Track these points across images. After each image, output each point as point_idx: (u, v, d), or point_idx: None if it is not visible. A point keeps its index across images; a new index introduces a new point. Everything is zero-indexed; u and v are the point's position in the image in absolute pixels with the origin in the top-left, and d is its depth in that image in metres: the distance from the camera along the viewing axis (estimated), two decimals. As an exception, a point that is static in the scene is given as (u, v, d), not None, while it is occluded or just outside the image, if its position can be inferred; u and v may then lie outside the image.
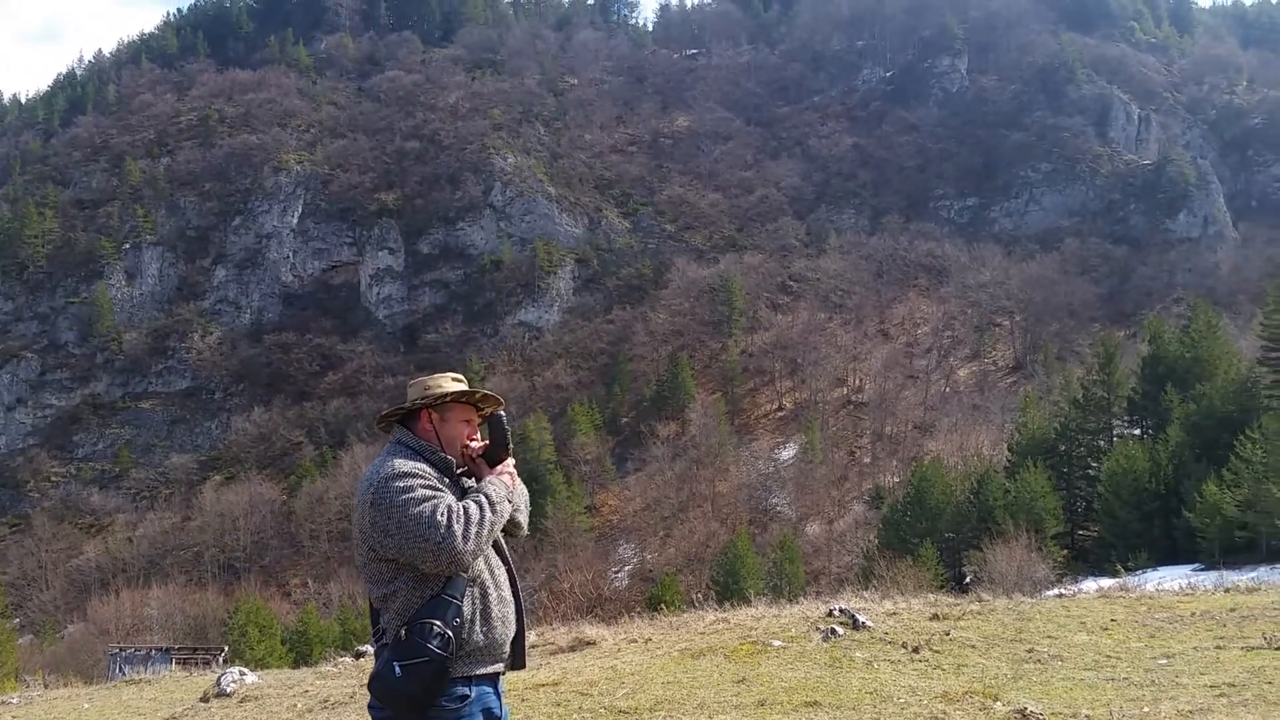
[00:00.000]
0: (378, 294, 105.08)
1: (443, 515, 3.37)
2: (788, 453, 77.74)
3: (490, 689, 3.57)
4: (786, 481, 72.65)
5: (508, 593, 3.66)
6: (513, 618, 3.65)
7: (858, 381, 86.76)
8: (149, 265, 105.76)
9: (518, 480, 3.78)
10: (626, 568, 66.27)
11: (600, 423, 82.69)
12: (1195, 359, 49.89)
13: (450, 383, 3.77)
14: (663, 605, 15.69)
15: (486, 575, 3.57)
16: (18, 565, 75.76)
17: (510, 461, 3.79)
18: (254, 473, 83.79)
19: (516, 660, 3.71)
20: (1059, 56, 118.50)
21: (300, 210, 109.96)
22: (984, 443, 65.95)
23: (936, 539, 45.08)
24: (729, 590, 35.47)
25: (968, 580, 39.23)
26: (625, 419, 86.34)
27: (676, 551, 64.71)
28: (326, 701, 8.90)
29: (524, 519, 3.81)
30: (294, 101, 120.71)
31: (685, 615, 10.89)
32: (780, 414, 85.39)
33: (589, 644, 9.81)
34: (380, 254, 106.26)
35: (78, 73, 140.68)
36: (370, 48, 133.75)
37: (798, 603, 11.26)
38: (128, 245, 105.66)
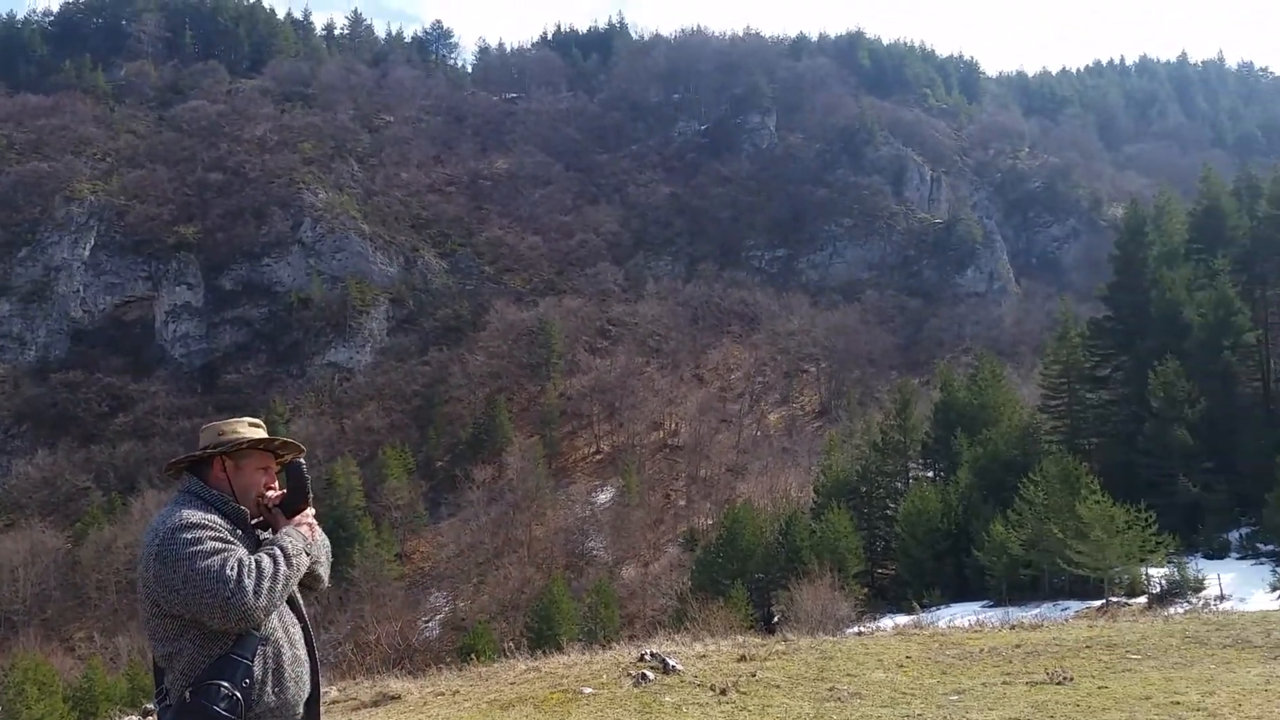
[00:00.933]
0: (174, 331, 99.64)
1: (233, 569, 3.20)
2: (605, 496, 78.04)
3: None
4: (603, 525, 72.82)
5: (302, 651, 3.50)
6: (307, 677, 3.50)
7: (673, 425, 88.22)
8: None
9: (318, 530, 3.65)
10: (438, 617, 64.70)
11: (413, 467, 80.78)
12: (982, 406, 53.10)
13: (247, 428, 3.61)
14: (475, 655, 15.38)
15: (280, 633, 3.41)
16: None
17: (310, 511, 3.64)
18: (36, 519, 77.44)
19: None
20: (859, 119, 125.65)
21: (93, 242, 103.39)
22: (792, 484, 68.08)
23: (747, 579, 45.91)
24: (543, 637, 35.10)
25: (775, 620, 40.15)
26: (440, 463, 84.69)
27: (491, 598, 63.67)
28: (104, 771, 8.26)
29: (324, 571, 3.67)
30: (90, 129, 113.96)
31: (496, 665, 10.70)
32: (598, 457, 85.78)
33: (393, 698, 9.48)
34: (178, 289, 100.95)
35: None
36: (174, 76, 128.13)
37: (610, 648, 11.25)
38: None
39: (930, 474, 54.40)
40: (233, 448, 3.54)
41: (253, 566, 3.25)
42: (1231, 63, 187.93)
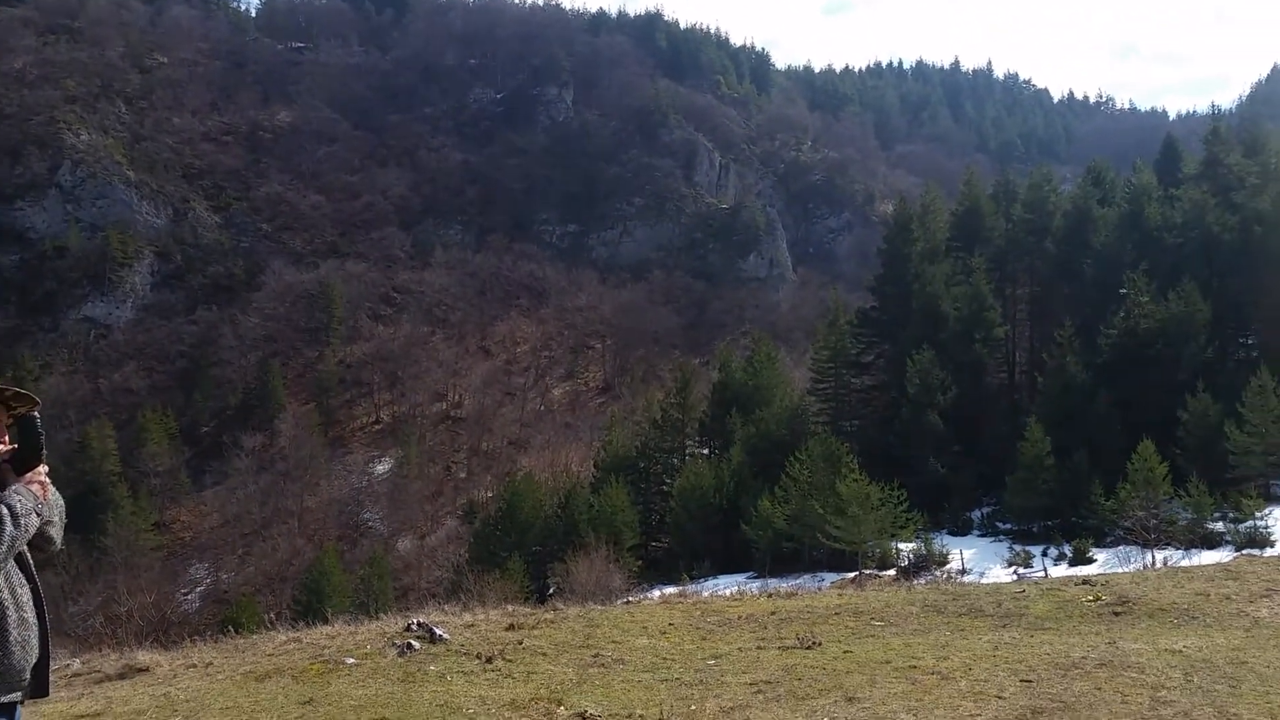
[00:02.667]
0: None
1: None
2: (383, 467, 76.42)
3: (6, 719, 3.29)
4: (380, 496, 71.38)
5: (30, 614, 3.36)
6: (35, 641, 3.36)
7: (457, 397, 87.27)
8: None
9: (50, 489, 3.49)
10: (198, 589, 61.69)
11: (176, 432, 76.31)
12: (757, 387, 55.43)
13: None
14: (236, 629, 14.79)
15: (6, 594, 3.26)
16: None
17: (43, 469, 3.48)
18: None
19: (39, 687, 3.40)
20: (655, 101, 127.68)
21: None
22: (574, 459, 68.82)
23: (525, 552, 46.22)
24: (311, 610, 34.16)
25: (550, 591, 40.57)
26: (206, 428, 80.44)
27: (257, 570, 61.23)
28: None
29: (57, 533, 3.51)
30: None
31: (254, 637, 10.36)
32: (377, 427, 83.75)
33: (141, 670, 9.03)
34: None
35: None
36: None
37: (377, 619, 11.10)
38: None
39: (706, 451, 56.31)
40: None
41: None
42: (999, 72, 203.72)
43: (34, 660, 3.35)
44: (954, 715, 6.57)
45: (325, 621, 12.15)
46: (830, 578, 35.89)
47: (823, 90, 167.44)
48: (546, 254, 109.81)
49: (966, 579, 31.69)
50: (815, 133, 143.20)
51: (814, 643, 9.00)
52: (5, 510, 3.21)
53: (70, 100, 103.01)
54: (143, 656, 9.62)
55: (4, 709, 3.28)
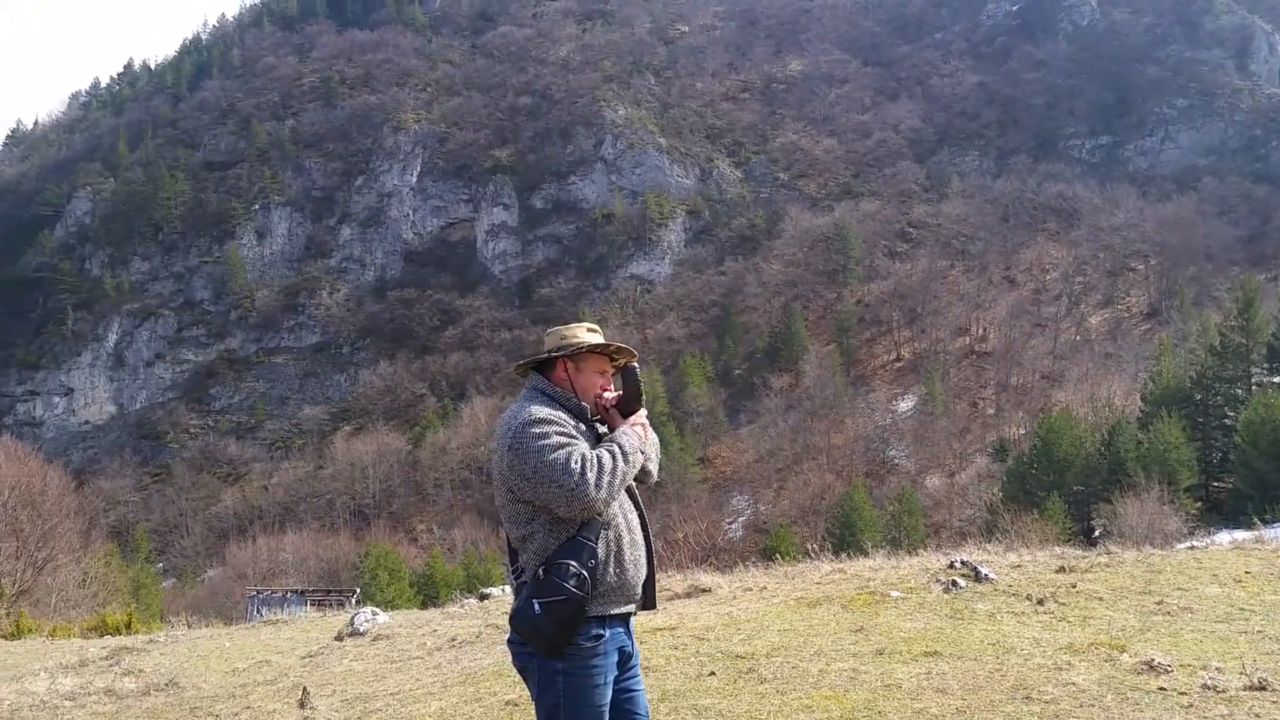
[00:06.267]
0: (493, 250, 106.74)
1: (576, 463, 3.49)
2: (906, 404, 76.44)
3: (623, 629, 3.73)
4: (905, 434, 71.49)
5: (639, 537, 3.77)
6: (644, 561, 3.77)
7: (981, 330, 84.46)
8: (278, 225, 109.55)
9: (649, 430, 3.89)
10: (740, 519, 66.40)
11: (712, 375, 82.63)
12: (1345, 302, 47.05)
13: (586, 333, 3.89)
14: (777, 556, 15.69)
15: (620, 519, 3.69)
16: (160, 513, 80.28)
17: (643, 412, 3.90)
18: (381, 424, 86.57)
19: (648, 601, 3.82)
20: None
21: (419, 169, 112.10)
22: (1116, 393, 63.46)
23: (1064, 492, 43.89)
24: (844, 543, 35.21)
25: (1096, 534, 38.13)
26: (738, 371, 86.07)
27: (791, 503, 64.46)
28: (454, 640, 9.21)
29: (654, 468, 3.91)
30: (411, 61, 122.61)
31: (801, 565, 10.87)
32: (898, 365, 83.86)
33: (704, 591, 9.89)
34: (495, 210, 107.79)
35: (203, 37, 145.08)
36: (483, 4, 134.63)
37: (916, 555, 11.12)
38: (257, 206, 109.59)
39: (1277, 379, 49.06)
40: (574, 351, 3.83)
41: (594, 460, 3.53)
42: None
43: (643, 577, 3.77)
44: None
45: (864, 554, 12.42)
46: None
47: None
48: (1075, 172, 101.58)
49: None
50: None
51: None
52: (616, 447, 3.63)
53: (608, 79, 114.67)
54: (704, 578, 10.54)
55: (622, 619, 3.72)
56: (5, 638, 14.21)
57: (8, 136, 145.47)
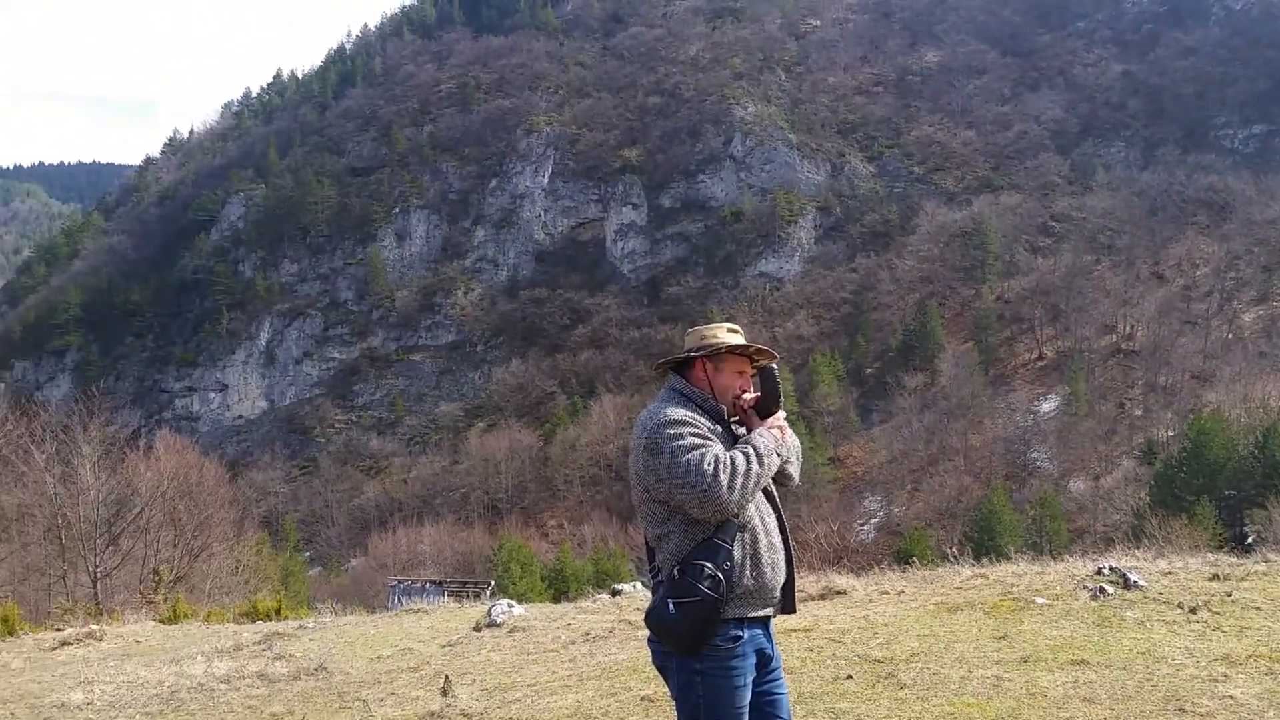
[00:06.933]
0: (622, 249, 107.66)
1: (710, 464, 3.47)
2: (1049, 405, 73.87)
3: (762, 631, 3.69)
4: (1047, 435, 69.13)
5: (778, 540, 3.74)
6: (783, 564, 3.73)
7: (1128, 328, 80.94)
8: (416, 227, 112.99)
9: (789, 432, 3.86)
10: (872, 520, 65.34)
11: (843, 374, 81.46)
12: None
13: (726, 334, 3.85)
14: (913, 559, 15.39)
15: (757, 522, 3.66)
16: (307, 504, 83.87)
17: (781, 414, 3.85)
18: (513, 420, 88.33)
19: (787, 605, 3.79)
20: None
21: (550, 170, 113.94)
22: (1272, 393, 59.97)
23: (1215, 496, 41.90)
24: (984, 547, 34.29)
25: (1250, 540, 36.13)
26: (869, 370, 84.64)
27: (925, 506, 63.11)
28: (588, 634, 9.33)
29: (794, 470, 3.89)
30: (543, 64, 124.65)
31: (939, 569, 10.61)
32: (1040, 364, 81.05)
33: (839, 593, 9.76)
34: (624, 210, 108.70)
35: (347, 47, 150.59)
36: (614, 5, 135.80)
37: (1061, 560, 10.72)
38: (397, 209, 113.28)
39: None
40: (713, 351, 3.80)
41: (728, 462, 3.51)
42: None
43: (782, 580, 3.73)
44: None
45: (1005, 559, 12.05)
46: None
47: None
48: (1227, 163, 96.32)
49: None
50: None
51: None
52: (751, 450, 3.60)
53: (737, 77, 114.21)
54: (839, 580, 10.40)
55: (761, 622, 3.69)
56: (164, 622, 15.02)
57: (166, 145, 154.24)
